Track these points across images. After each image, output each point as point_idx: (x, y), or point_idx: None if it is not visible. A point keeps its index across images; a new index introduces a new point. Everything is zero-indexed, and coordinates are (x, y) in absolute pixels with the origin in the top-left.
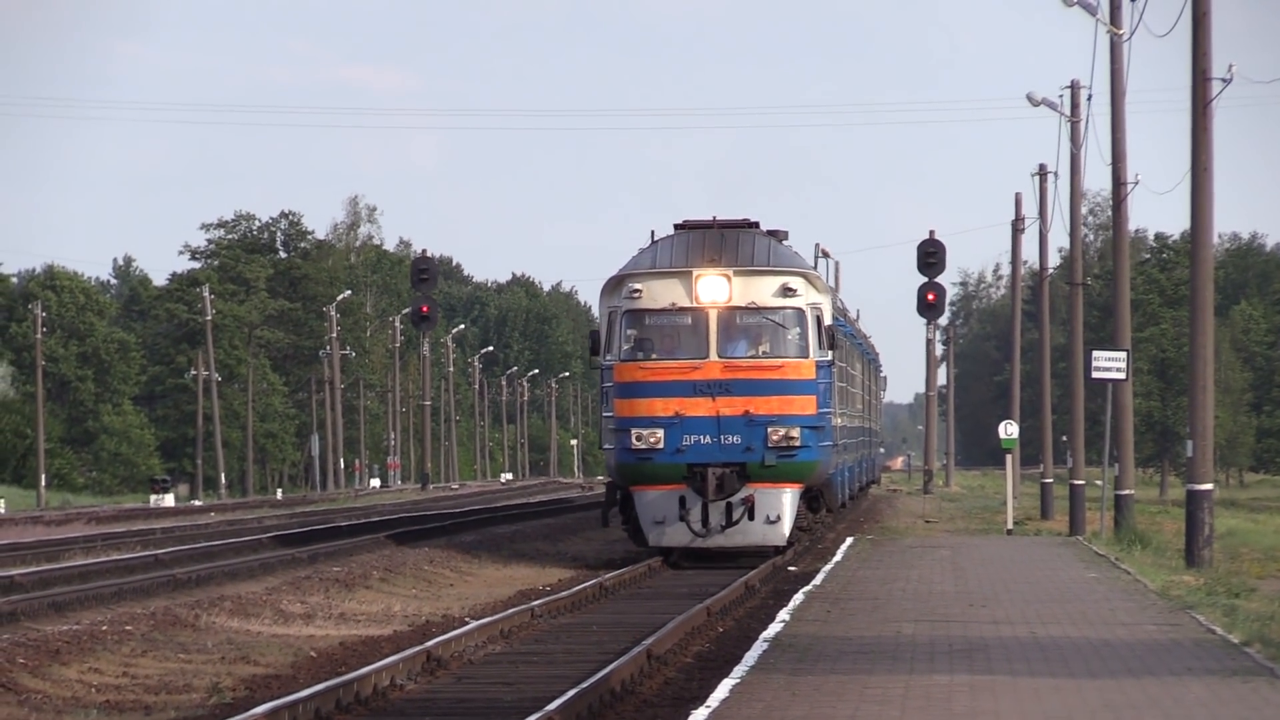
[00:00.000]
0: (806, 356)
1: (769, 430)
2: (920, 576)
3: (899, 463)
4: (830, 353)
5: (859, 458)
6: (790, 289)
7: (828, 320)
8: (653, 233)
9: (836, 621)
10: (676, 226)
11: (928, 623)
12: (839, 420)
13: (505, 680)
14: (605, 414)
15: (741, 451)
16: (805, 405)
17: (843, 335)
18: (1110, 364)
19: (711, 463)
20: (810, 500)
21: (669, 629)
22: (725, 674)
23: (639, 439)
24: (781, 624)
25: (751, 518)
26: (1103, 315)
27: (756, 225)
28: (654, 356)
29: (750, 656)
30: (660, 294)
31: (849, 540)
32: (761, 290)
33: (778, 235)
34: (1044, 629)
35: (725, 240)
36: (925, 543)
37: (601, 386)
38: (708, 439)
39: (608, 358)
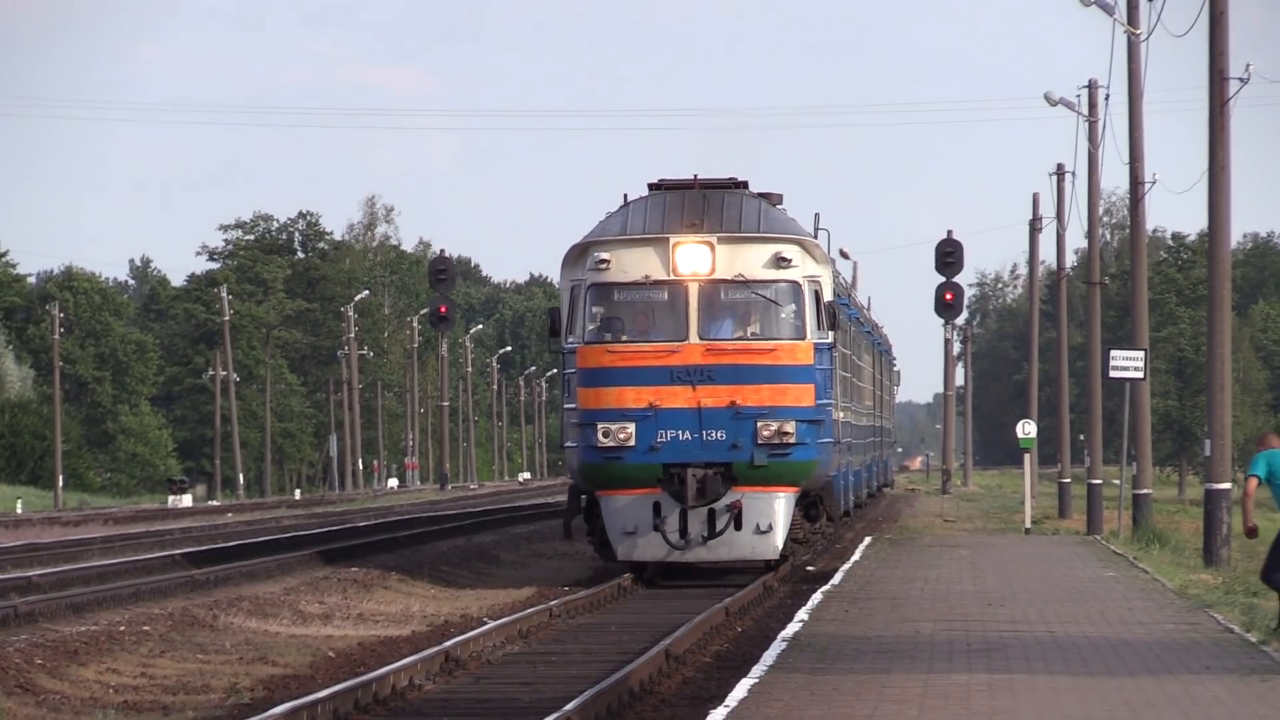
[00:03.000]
0: (803, 338)
1: (759, 424)
2: (938, 576)
3: (917, 462)
4: (831, 334)
5: (867, 460)
6: (784, 259)
7: (828, 296)
8: (625, 195)
9: (855, 621)
10: (651, 186)
11: (946, 622)
12: (842, 414)
13: (524, 680)
14: (567, 405)
15: (727, 449)
16: (801, 395)
17: (849, 320)
18: (1128, 363)
19: (691, 463)
20: (807, 507)
21: (687, 629)
22: (744, 673)
23: (606, 435)
24: (800, 623)
25: (738, 527)
26: (1120, 314)
27: (745, 185)
28: (624, 338)
29: (769, 656)
30: (631, 265)
31: (867, 540)
32: (750, 260)
33: (770, 198)
34: (1062, 628)
35: (708, 202)
36: (943, 542)
37: (562, 373)
38: (687, 435)
39: (570, 340)
